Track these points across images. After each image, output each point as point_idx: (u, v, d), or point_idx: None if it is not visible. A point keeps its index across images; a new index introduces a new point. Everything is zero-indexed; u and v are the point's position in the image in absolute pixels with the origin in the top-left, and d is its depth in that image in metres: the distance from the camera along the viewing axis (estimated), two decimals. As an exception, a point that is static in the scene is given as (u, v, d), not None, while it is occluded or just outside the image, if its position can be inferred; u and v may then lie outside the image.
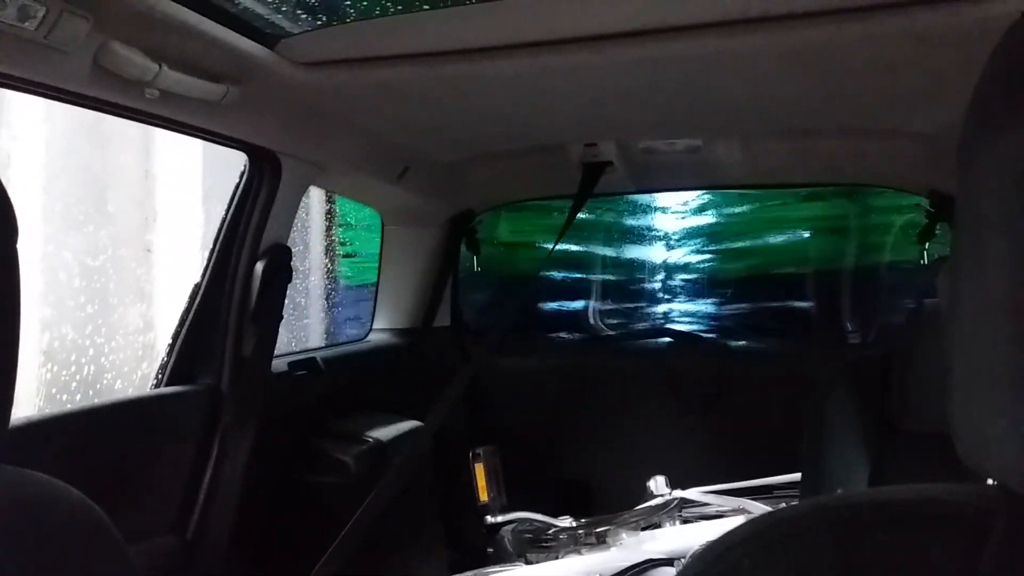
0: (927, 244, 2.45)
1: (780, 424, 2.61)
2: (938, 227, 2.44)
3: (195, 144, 1.98)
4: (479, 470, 2.01)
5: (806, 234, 3.21)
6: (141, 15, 1.31)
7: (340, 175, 2.23)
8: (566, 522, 2.13)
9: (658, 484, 2.37)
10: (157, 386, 1.92)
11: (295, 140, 1.93)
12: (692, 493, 2.29)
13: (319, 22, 1.59)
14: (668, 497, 2.33)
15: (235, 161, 1.95)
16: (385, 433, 2.39)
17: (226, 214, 1.97)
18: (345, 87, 1.77)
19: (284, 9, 1.55)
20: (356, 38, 1.64)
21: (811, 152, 2.38)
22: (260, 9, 1.52)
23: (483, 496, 2.03)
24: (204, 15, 1.42)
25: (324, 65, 1.69)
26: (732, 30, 1.43)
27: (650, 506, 2.29)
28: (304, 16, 1.58)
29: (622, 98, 1.86)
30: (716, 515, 2.26)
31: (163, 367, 1.93)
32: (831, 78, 1.68)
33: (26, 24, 1.18)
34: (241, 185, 1.95)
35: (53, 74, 1.31)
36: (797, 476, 2.21)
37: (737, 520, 2.14)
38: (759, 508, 2.13)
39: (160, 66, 1.39)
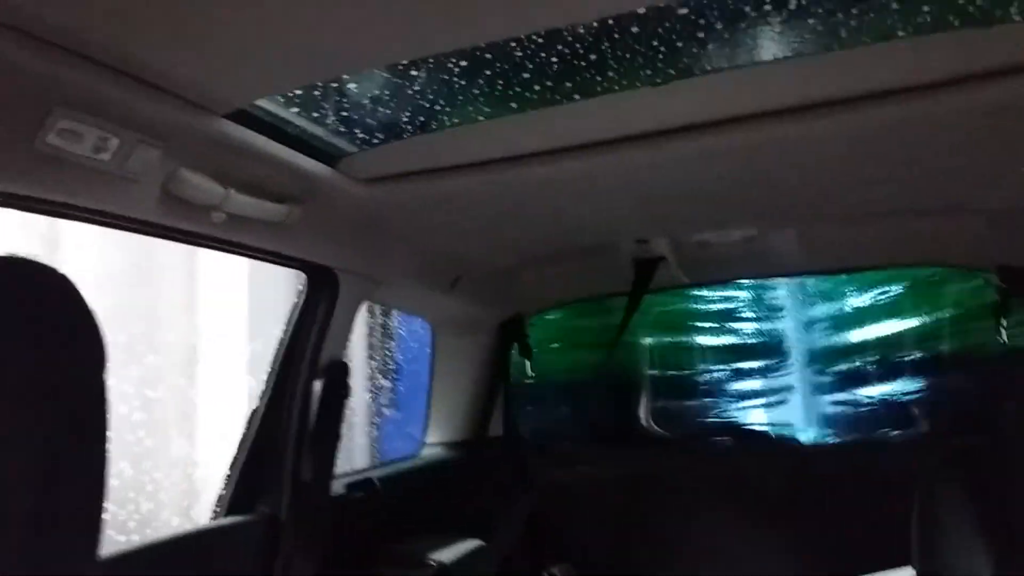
0: (1004, 322, 2.35)
1: (863, 526, 2.50)
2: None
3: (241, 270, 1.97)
4: (556, 591, 1.88)
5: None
6: (210, 142, 1.32)
7: (394, 288, 2.21)
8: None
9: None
10: (215, 517, 1.84)
11: (353, 256, 1.92)
12: None
13: (379, 139, 1.60)
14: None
15: (278, 279, 1.92)
16: (448, 555, 2.27)
17: (284, 334, 1.94)
18: (402, 200, 1.77)
19: (345, 130, 1.56)
20: (414, 152, 1.64)
21: (869, 235, 2.32)
22: (322, 131, 1.54)
23: (562, 620, 1.90)
24: (269, 137, 1.42)
25: (383, 180, 1.69)
26: (790, 117, 1.41)
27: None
28: (364, 135, 1.59)
29: (675, 193, 1.84)
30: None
31: (221, 498, 1.86)
32: (891, 160, 1.64)
33: (100, 156, 1.18)
34: (299, 304, 1.93)
35: (123, 203, 1.31)
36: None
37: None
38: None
39: (227, 190, 1.39)
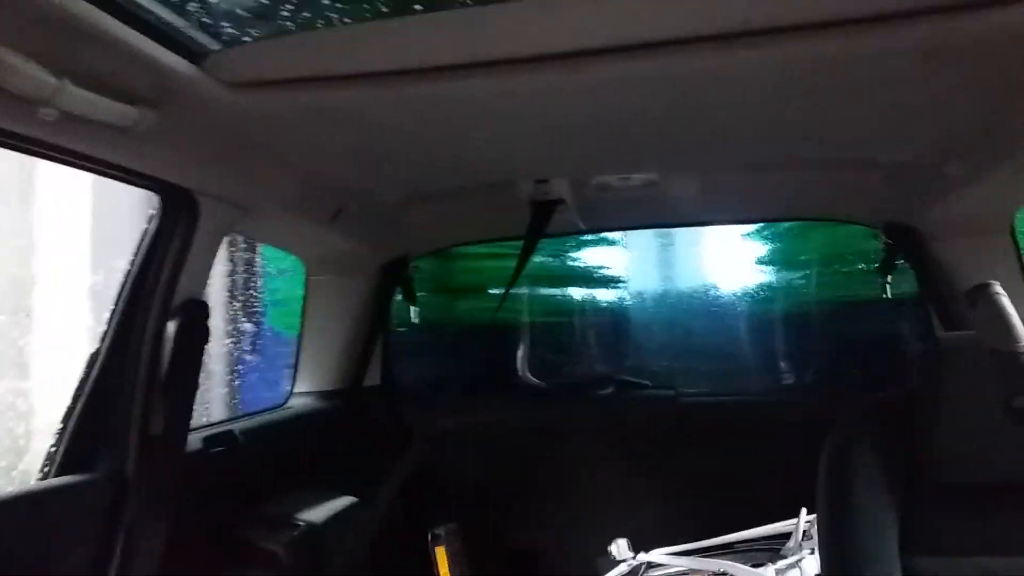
0: (888, 278, 2.39)
1: (743, 474, 2.54)
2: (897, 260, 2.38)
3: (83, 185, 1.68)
4: (441, 554, 1.75)
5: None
6: (37, 15, 1.04)
7: (264, 218, 1.96)
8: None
9: (620, 548, 2.21)
10: (45, 477, 1.60)
11: (217, 177, 1.68)
12: (658, 556, 2.13)
13: (251, 36, 1.35)
14: (633, 562, 2.16)
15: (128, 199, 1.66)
16: (318, 514, 2.11)
17: (131, 265, 1.68)
18: (277, 111, 1.53)
19: (210, 21, 1.31)
20: (293, 54, 1.42)
21: (767, 186, 2.32)
22: (184, 19, 1.27)
23: (448, 583, 1.77)
24: (118, 18, 1.15)
25: (257, 86, 1.45)
26: (696, 48, 1.33)
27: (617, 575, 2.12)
28: (235, 28, 1.33)
29: (577, 126, 1.73)
30: (686, 577, 2.09)
31: (52, 454, 1.62)
32: (796, 106, 1.61)
33: None
34: (151, 231, 1.67)
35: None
36: (774, 528, 2.09)
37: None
38: (743, 570, 1.96)
39: (61, 81, 1.12)
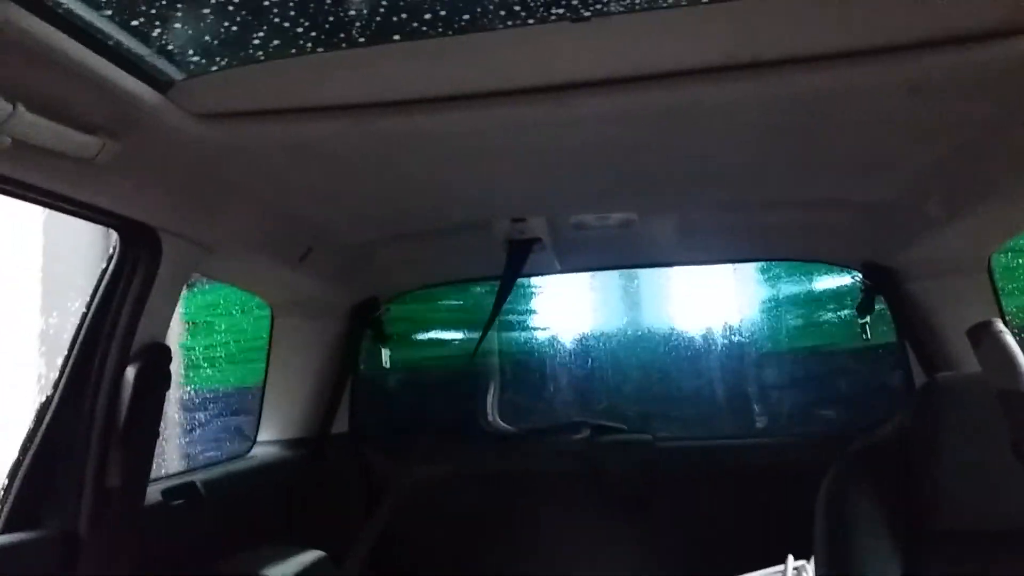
0: (867, 319, 2.37)
1: (723, 520, 2.48)
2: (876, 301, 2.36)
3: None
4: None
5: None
6: None
7: (231, 258, 1.88)
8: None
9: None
10: None
11: (181, 213, 1.60)
12: None
13: (221, 64, 1.29)
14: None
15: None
16: (285, 571, 2.00)
17: (88, 307, 1.58)
18: (248, 145, 1.47)
19: (177, 47, 1.24)
20: (265, 84, 1.37)
21: (745, 227, 2.31)
22: (148, 46, 1.21)
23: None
24: (78, 41, 1.08)
25: (225, 117, 1.39)
26: (707, 79, 1.31)
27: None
28: (202, 56, 1.27)
29: (560, 162, 1.70)
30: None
31: (-1, 508, 1.49)
32: (772, 145, 1.61)
33: None
34: (110, 270, 1.58)
35: None
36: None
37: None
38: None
39: (14, 106, 1.04)
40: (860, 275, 2.39)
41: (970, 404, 1.27)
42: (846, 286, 2.61)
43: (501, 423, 3.09)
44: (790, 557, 1.91)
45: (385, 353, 2.64)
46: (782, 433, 2.90)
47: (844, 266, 2.48)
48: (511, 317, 3.19)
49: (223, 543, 2.02)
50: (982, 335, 1.08)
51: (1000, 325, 1.07)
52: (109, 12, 1.10)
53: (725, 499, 2.52)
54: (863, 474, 1.38)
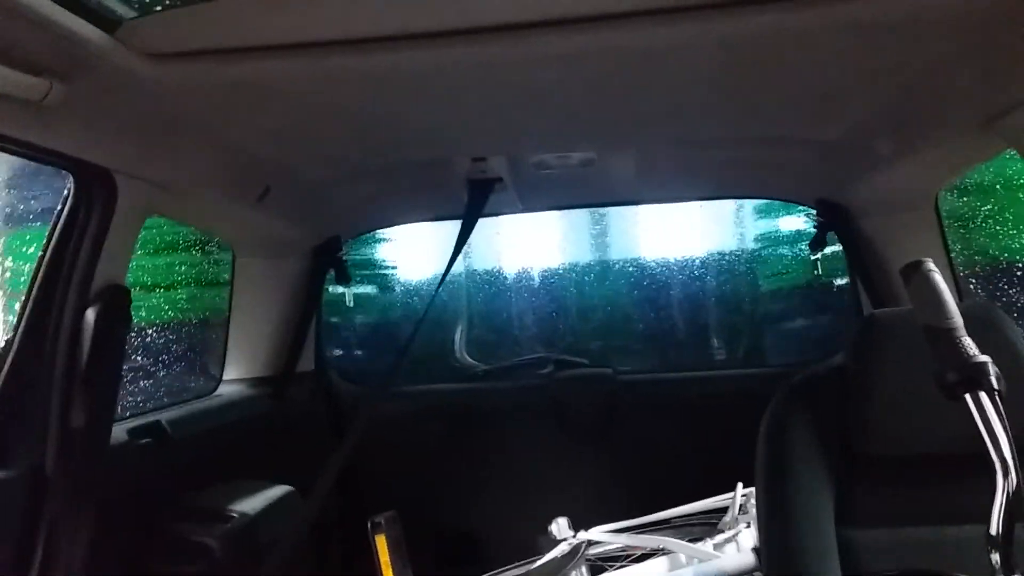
0: (819, 254, 2.43)
1: (680, 450, 2.58)
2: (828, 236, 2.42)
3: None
4: (381, 543, 1.70)
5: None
6: None
7: (188, 198, 1.87)
8: (478, 590, 1.87)
9: (560, 527, 2.20)
10: None
11: (135, 154, 1.58)
12: (597, 533, 2.13)
13: (170, 2, 1.27)
14: (573, 541, 2.15)
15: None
16: (252, 505, 2.03)
17: (45, 249, 1.57)
18: (200, 84, 1.46)
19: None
20: (217, 23, 1.34)
21: (702, 165, 2.33)
22: (93, -19, 1.19)
23: (388, 574, 1.72)
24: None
25: (176, 57, 1.37)
26: (661, 19, 1.32)
27: (557, 554, 2.11)
28: (151, -6, 1.25)
29: (520, 102, 1.70)
30: (625, 554, 2.10)
31: (-38, 451, 1.51)
32: (728, 82, 1.62)
33: None
34: (64, 212, 1.56)
35: None
36: (710, 503, 2.12)
37: (658, 561, 1.99)
38: (681, 545, 1.97)
39: None
40: (814, 212, 2.45)
41: (903, 338, 1.33)
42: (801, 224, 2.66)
43: (468, 359, 3.15)
44: (739, 484, 2.00)
45: (348, 293, 2.66)
46: (736, 367, 2.99)
47: (798, 203, 2.52)
48: (476, 255, 3.23)
49: (191, 481, 2.06)
50: (912, 273, 1.12)
51: (931, 264, 1.12)
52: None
53: (682, 430, 2.61)
54: (801, 404, 1.44)
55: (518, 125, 1.89)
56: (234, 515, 1.97)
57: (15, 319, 1.58)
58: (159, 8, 1.27)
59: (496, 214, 2.63)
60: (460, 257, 2.39)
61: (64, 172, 1.55)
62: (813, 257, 2.47)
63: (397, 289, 3.28)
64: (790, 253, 2.99)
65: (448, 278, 2.28)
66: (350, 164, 2.13)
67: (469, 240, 2.24)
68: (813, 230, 2.47)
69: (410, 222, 2.78)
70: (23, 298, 1.58)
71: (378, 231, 2.96)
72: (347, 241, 2.67)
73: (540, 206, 2.69)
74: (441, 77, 1.50)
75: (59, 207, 1.58)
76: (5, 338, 1.58)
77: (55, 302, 1.57)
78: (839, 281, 2.60)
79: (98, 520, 1.61)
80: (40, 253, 1.58)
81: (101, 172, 1.56)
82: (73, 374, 1.58)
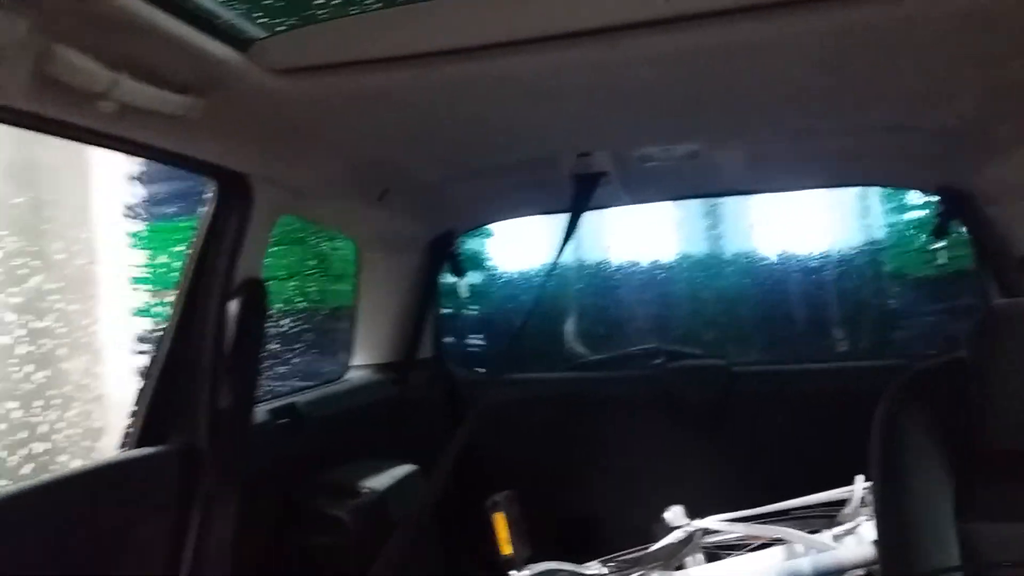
0: (943, 243, 2.33)
1: (797, 442, 2.53)
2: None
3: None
4: (499, 520, 1.79)
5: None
6: (93, 13, 1.11)
7: (316, 199, 2.03)
8: (594, 569, 1.93)
9: (675, 515, 2.21)
10: (126, 449, 1.69)
11: (268, 160, 1.74)
12: (713, 522, 2.13)
13: (292, 22, 1.40)
14: (688, 529, 2.17)
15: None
16: (381, 482, 2.17)
17: (192, 248, 1.75)
18: (324, 96, 1.58)
19: (254, 10, 1.36)
20: (335, 39, 1.45)
21: (814, 153, 2.26)
22: (228, 10, 1.33)
23: (506, 549, 1.81)
24: (166, 12, 1.21)
25: (302, 72, 1.49)
26: (758, 15, 1.31)
27: (672, 541, 2.13)
28: (276, 17, 1.38)
29: (623, 99, 1.72)
30: (741, 544, 2.09)
31: (131, 427, 1.71)
32: (837, 73, 1.58)
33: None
34: (209, 215, 1.74)
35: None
36: (830, 495, 2.08)
37: (775, 551, 1.98)
38: (799, 536, 1.95)
39: (117, 74, 1.19)
40: (935, 199, 2.35)
41: None
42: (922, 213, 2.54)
43: (579, 349, 3.20)
44: (859, 478, 1.96)
45: (462, 285, 2.78)
46: (856, 358, 2.90)
47: (920, 190, 2.42)
48: (589, 248, 3.27)
49: (323, 459, 2.21)
50: None
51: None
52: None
53: (796, 423, 2.57)
54: (916, 397, 1.41)
55: (620, 122, 1.92)
56: (364, 491, 2.11)
57: (169, 314, 1.77)
58: (285, 28, 1.41)
59: (603, 207, 2.66)
60: (572, 250, 2.45)
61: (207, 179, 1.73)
62: (935, 246, 2.36)
63: (509, 281, 3.37)
64: (910, 242, 2.87)
65: (560, 271, 2.34)
66: (463, 164, 2.23)
67: (581, 233, 2.29)
68: (935, 218, 2.36)
69: (519, 216, 2.85)
70: (176, 291, 1.77)
71: (489, 225, 3.05)
72: (460, 235, 2.79)
73: (647, 198, 2.70)
74: (547, 80, 1.56)
75: (204, 209, 1.77)
76: (162, 330, 1.77)
77: (201, 295, 1.73)
78: (964, 270, 2.47)
79: (244, 492, 1.76)
80: (188, 251, 1.76)
81: (239, 177, 1.71)
82: (219, 360, 1.73)
